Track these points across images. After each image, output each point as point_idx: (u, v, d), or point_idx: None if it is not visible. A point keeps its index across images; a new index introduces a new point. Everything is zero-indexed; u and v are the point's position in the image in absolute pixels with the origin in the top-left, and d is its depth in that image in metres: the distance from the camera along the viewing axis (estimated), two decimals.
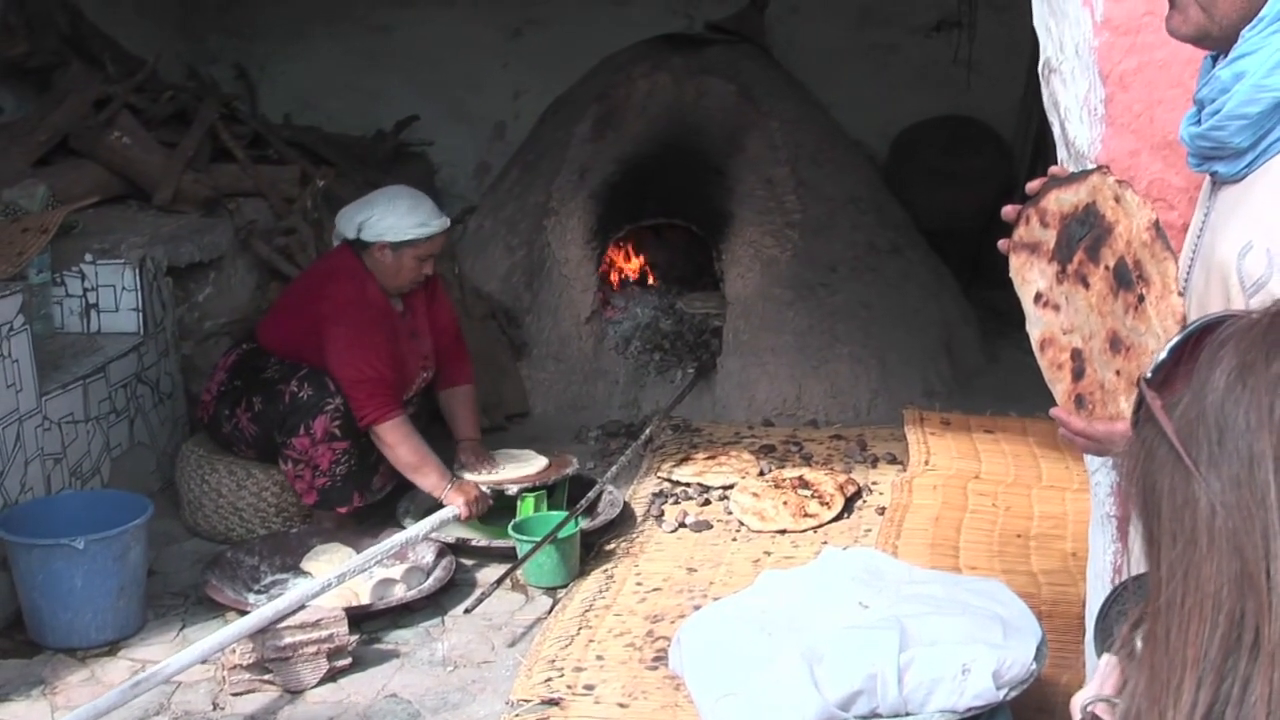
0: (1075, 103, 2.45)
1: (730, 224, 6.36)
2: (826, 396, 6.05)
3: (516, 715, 3.55)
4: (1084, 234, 1.98)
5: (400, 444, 4.64)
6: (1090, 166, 2.09)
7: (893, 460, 5.33)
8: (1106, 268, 1.95)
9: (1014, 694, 2.93)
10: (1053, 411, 2.04)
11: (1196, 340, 0.92)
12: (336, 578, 4.11)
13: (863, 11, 7.77)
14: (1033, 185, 2.08)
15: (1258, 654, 0.76)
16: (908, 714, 2.87)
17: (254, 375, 4.78)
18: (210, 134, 6.26)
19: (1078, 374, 2.02)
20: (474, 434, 5.09)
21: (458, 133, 7.99)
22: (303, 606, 3.92)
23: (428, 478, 4.66)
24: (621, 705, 3.58)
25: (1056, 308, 2.04)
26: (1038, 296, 2.07)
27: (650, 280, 6.80)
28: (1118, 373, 1.94)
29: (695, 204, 6.45)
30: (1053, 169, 2.12)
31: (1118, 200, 1.95)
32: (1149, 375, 0.93)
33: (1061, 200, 2.03)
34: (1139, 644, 0.88)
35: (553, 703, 3.59)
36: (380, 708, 3.75)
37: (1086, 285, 1.98)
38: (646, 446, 5.44)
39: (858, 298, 6.26)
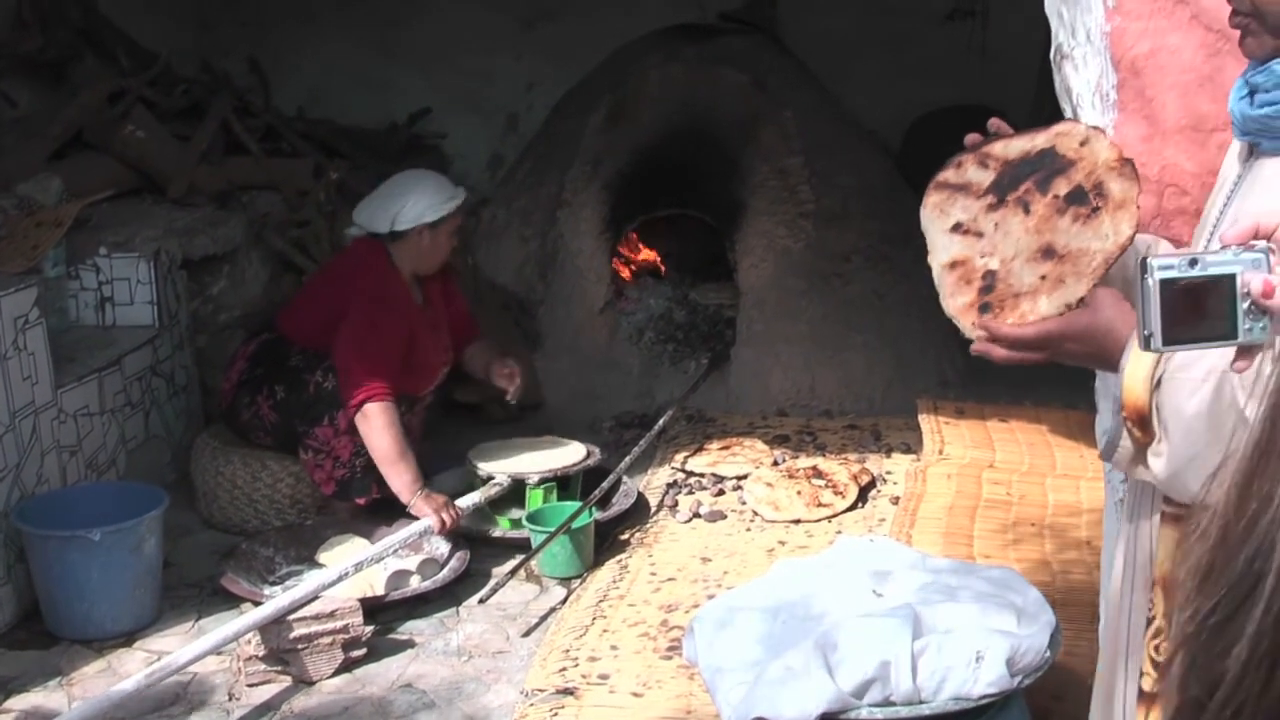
0: (1087, 89, 2.44)
1: (743, 214, 6.35)
2: (840, 386, 6.05)
3: (531, 705, 3.56)
4: (1033, 171, 1.93)
5: (388, 428, 4.54)
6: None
7: (907, 449, 5.33)
8: (1056, 196, 1.89)
9: (1028, 681, 2.93)
10: (981, 321, 1.96)
11: None
12: (354, 567, 4.13)
13: (875, 0, 7.75)
14: (973, 138, 2.04)
15: None
16: (921, 702, 2.87)
17: (277, 364, 4.79)
18: (224, 127, 6.27)
19: (986, 289, 1.97)
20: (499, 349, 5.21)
21: (471, 125, 7.99)
22: (316, 597, 3.93)
23: (403, 476, 4.56)
24: (636, 695, 3.58)
25: (979, 235, 1.96)
26: (956, 225, 1.99)
27: (663, 271, 6.80)
28: (1043, 276, 1.89)
29: (708, 194, 6.45)
30: (996, 123, 2.06)
31: (1084, 144, 1.92)
32: None
33: (1011, 146, 1.97)
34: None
35: (567, 692, 3.60)
36: (395, 698, 3.76)
37: (1027, 211, 1.91)
38: (660, 437, 5.44)
39: (871, 287, 6.25)
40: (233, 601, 4.27)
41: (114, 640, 4.09)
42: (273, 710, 3.72)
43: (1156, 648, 1.91)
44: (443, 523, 4.48)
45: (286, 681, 3.83)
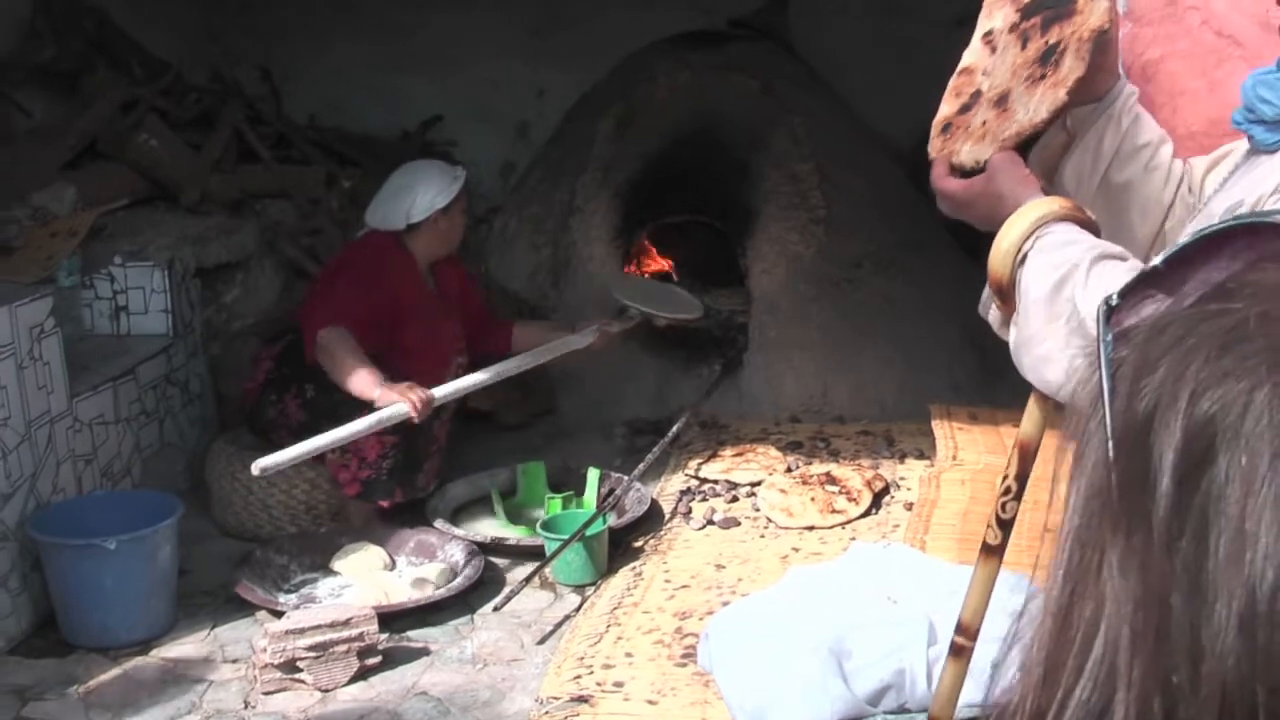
0: None
1: (755, 220, 6.36)
2: (853, 392, 6.04)
3: (546, 713, 3.56)
4: (1051, 6, 1.91)
5: (338, 344, 4.60)
6: None
7: (920, 455, 5.32)
8: (1046, 42, 1.88)
9: None
10: (935, 152, 1.99)
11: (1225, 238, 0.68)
12: (374, 422, 4.42)
13: (885, 6, 7.74)
14: None
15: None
16: None
17: (304, 364, 4.81)
18: (236, 135, 6.29)
19: (964, 109, 1.96)
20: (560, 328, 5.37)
21: (482, 132, 8.00)
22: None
23: (361, 379, 4.54)
24: (650, 702, 3.58)
25: (993, 50, 1.97)
26: (988, 33, 1.99)
27: (675, 277, 6.80)
28: (984, 123, 1.90)
29: (719, 200, 6.46)
30: None
31: None
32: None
33: None
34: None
35: (582, 700, 3.60)
36: (410, 706, 3.76)
37: (1024, 46, 1.91)
38: (674, 444, 5.44)
39: (884, 293, 6.24)
40: (248, 609, 4.28)
41: (130, 648, 4.10)
42: (288, 718, 3.73)
43: (1003, 506, 1.96)
44: (413, 404, 4.45)
45: (302, 689, 3.84)
